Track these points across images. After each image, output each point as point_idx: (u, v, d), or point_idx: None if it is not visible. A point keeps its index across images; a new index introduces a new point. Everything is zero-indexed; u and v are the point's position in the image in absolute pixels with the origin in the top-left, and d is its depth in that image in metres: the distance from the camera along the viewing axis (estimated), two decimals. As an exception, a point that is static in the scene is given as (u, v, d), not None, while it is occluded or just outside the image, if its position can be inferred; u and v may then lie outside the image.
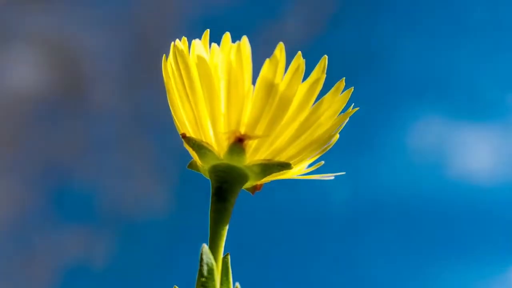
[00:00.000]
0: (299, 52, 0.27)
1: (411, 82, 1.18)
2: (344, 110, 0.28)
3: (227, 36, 0.28)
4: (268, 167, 0.27)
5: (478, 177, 1.17)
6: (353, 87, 0.28)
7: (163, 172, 1.17)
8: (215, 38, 0.28)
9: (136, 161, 1.19)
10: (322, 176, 0.30)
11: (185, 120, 0.28)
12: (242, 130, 0.27)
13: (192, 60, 0.27)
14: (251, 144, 0.27)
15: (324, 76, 0.27)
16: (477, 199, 1.14)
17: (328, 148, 0.29)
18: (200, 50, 0.27)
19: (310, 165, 0.30)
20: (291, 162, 0.28)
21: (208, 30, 0.29)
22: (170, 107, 0.29)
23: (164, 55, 0.29)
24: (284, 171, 0.28)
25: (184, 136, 0.28)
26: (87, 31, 1.20)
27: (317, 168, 0.30)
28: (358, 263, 1.10)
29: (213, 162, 0.28)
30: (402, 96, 1.19)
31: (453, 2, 1.20)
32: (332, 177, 0.31)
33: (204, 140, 0.27)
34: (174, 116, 0.29)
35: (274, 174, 0.29)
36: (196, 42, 0.28)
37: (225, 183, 0.27)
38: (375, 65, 1.16)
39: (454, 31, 1.19)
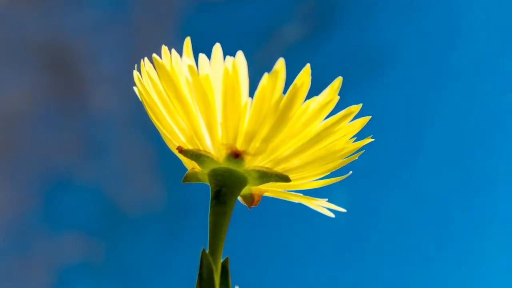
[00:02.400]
0: (308, 66, 0.25)
1: (410, 83, 1.18)
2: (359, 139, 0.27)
3: (217, 48, 0.27)
4: (266, 175, 0.27)
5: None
6: (370, 116, 0.27)
7: (162, 173, 1.17)
8: (211, 41, 0.28)
9: (135, 163, 1.19)
10: (322, 205, 0.30)
11: (176, 131, 0.28)
12: (239, 145, 0.26)
13: (176, 72, 0.26)
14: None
15: (338, 98, 0.26)
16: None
17: (338, 180, 0.29)
18: (189, 61, 0.27)
19: (314, 195, 0.30)
20: (291, 175, 0.27)
21: (189, 37, 0.27)
22: (156, 121, 0.28)
23: (135, 71, 0.28)
24: (284, 183, 0.28)
25: (180, 150, 0.27)
26: (86, 33, 1.20)
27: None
28: (358, 268, 1.10)
29: (212, 166, 0.27)
30: (401, 99, 1.18)
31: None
32: (333, 215, 0.30)
33: (201, 148, 0.27)
34: (162, 129, 0.28)
35: (273, 185, 0.29)
36: (184, 57, 0.27)
37: (224, 187, 0.27)
38: (374, 67, 1.16)
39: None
